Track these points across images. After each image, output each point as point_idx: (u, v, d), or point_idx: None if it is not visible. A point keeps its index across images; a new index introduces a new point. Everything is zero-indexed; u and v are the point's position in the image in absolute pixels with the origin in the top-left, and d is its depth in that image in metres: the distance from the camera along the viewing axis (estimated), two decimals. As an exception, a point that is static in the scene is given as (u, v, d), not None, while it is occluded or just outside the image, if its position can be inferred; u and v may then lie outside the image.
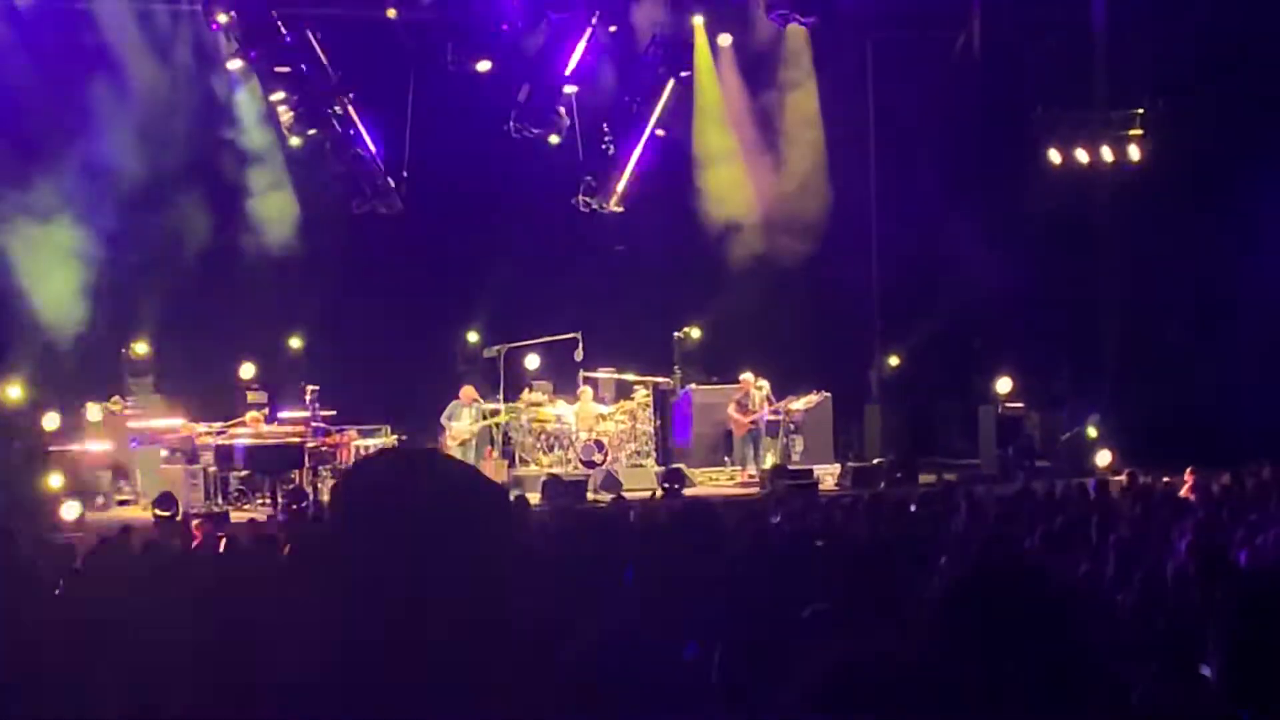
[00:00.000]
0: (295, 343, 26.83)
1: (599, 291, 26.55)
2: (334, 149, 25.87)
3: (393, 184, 26.27)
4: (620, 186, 27.14)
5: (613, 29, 26.91)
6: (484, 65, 26.00)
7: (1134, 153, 27.20)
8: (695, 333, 27.47)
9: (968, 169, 26.30)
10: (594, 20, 26.38)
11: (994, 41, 27.49)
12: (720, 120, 27.95)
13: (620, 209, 27.20)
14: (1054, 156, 27.38)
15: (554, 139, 26.79)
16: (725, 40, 27.83)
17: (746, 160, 27.67)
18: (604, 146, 27.11)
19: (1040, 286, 26.93)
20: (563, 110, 26.67)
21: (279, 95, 25.35)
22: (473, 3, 26.00)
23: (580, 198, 27.16)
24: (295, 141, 25.71)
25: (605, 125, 27.11)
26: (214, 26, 25.10)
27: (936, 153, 25.95)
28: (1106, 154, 27.31)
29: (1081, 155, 27.36)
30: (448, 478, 2.73)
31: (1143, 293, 26.81)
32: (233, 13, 24.79)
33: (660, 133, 27.12)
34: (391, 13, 25.85)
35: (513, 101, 26.47)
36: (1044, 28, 27.16)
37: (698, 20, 27.65)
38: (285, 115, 25.38)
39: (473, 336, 27.17)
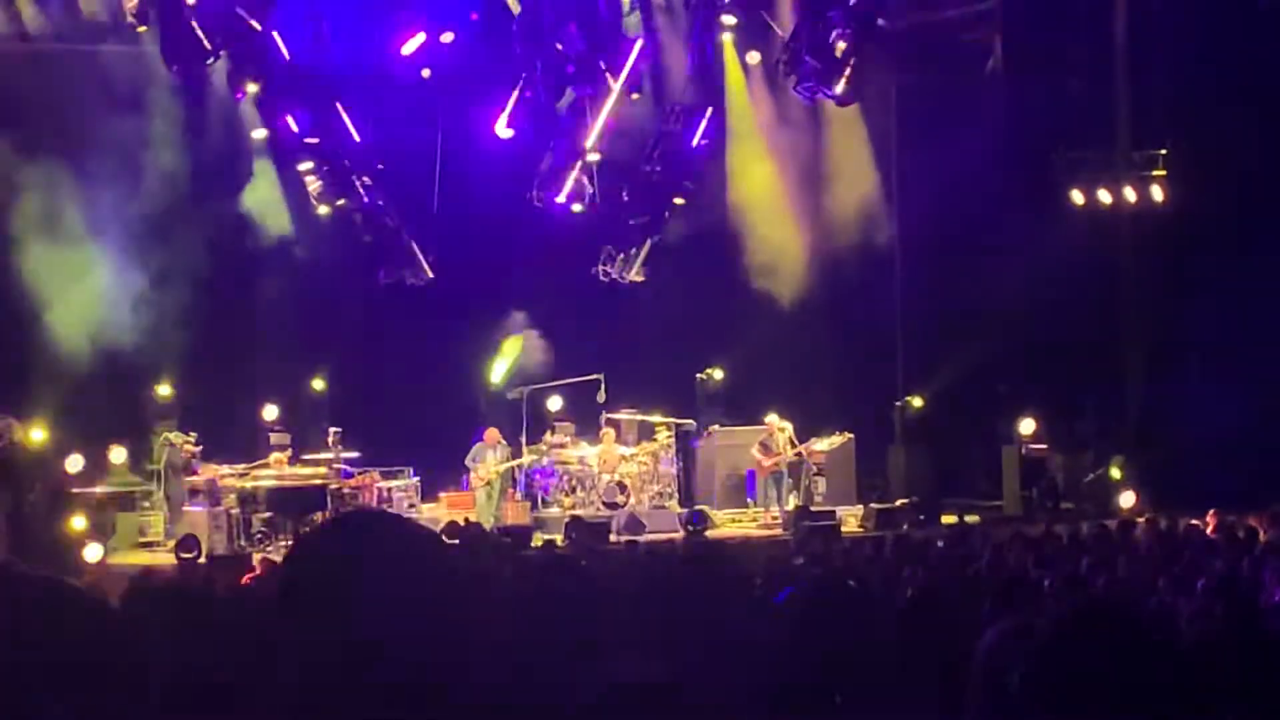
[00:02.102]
0: (318, 384, 26.85)
1: (621, 333, 26.55)
2: (362, 219, 25.84)
3: (421, 255, 26.27)
4: (641, 255, 27.12)
5: (635, 96, 26.91)
6: (505, 132, 26.07)
7: (1157, 194, 27.08)
8: (718, 374, 27.43)
9: (990, 210, 26.25)
10: (615, 88, 26.30)
11: (1016, 82, 27.46)
12: (753, 144, 27.91)
13: (640, 278, 27.16)
14: (1077, 198, 27.31)
15: (577, 207, 26.79)
16: (754, 59, 27.73)
17: (781, 186, 27.71)
18: (625, 217, 27.04)
19: (1064, 328, 26.84)
20: (586, 179, 26.66)
21: (307, 165, 25.35)
22: (495, 68, 26.01)
23: (600, 268, 27.13)
24: (323, 210, 25.73)
25: (624, 193, 27.03)
26: (238, 95, 25.14)
27: (959, 194, 25.91)
28: (1129, 195, 27.21)
29: (1104, 196, 27.27)
30: (386, 535, 2.79)
31: (1166, 334, 26.71)
32: (259, 83, 24.86)
33: (679, 200, 27.00)
34: (426, 73, 25.91)
35: (536, 169, 26.53)
36: (1066, 69, 27.15)
37: (727, 38, 27.54)
38: (313, 185, 25.37)
39: (496, 377, 27.09)
